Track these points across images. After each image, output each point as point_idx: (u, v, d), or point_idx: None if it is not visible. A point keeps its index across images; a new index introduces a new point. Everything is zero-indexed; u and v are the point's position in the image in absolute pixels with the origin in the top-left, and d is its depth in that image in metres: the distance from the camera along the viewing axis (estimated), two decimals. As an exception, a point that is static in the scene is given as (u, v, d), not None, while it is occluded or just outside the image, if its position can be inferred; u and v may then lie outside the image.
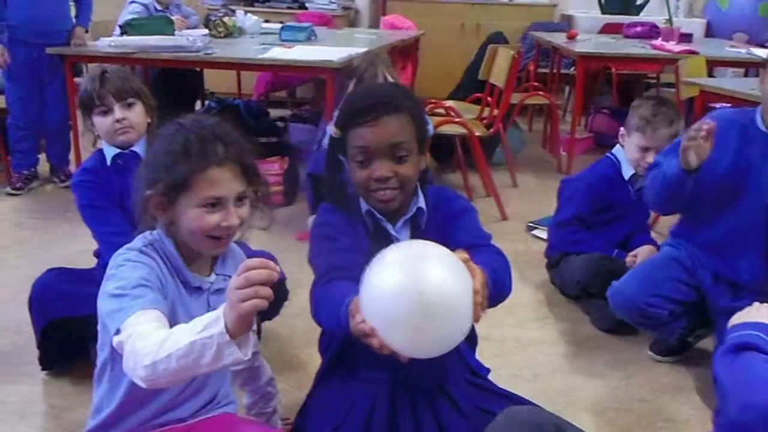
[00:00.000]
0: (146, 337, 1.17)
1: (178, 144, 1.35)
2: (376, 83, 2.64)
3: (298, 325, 2.31)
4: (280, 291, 2.18)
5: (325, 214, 1.60)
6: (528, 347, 2.38)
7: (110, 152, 2.08)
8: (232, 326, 1.09)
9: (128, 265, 1.32)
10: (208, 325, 1.11)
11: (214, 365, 1.12)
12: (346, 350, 1.59)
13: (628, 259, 2.50)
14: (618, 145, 2.67)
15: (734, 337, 1.30)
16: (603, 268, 2.46)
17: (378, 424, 1.49)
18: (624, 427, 1.97)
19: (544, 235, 3.31)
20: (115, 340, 1.23)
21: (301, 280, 2.23)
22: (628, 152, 2.59)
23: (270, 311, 2.19)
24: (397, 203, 1.54)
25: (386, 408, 1.52)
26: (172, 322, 1.24)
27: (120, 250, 1.37)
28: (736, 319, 1.36)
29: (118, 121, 2.02)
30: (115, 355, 1.34)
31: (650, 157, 2.46)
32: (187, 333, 1.12)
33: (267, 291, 1.08)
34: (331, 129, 1.62)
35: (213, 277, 1.46)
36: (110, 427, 1.43)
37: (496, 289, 1.35)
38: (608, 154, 2.71)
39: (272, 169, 3.66)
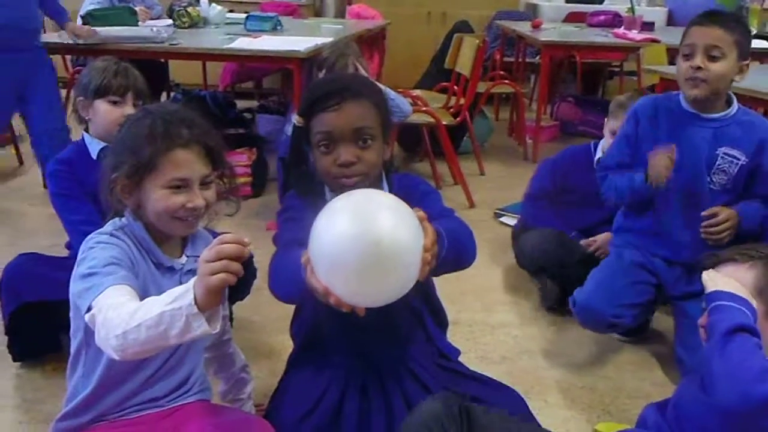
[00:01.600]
0: (117, 308, 1.19)
1: (144, 127, 1.38)
2: (336, 73, 2.65)
3: (269, 313, 2.32)
4: (249, 269, 2.18)
5: (290, 199, 1.62)
6: (496, 330, 2.43)
7: (96, 145, 2.07)
8: (201, 299, 1.11)
9: (98, 247, 1.35)
10: (177, 297, 1.14)
11: (182, 337, 1.14)
12: (317, 336, 1.62)
13: (585, 242, 2.55)
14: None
15: (723, 316, 1.31)
16: (556, 243, 2.51)
17: (349, 409, 1.52)
18: (589, 403, 2.03)
19: (511, 221, 3.37)
20: (87, 316, 1.25)
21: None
22: (607, 140, 2.65)
23: (240, 290, 2.20)
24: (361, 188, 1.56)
25: (357, 393, 1.55)
26: (144, 299, 1.26)
27: (90, 236, 1.39)
28: (711, 283, 1.37)
29: (126, 115, 2.00)
30: (89, 339, 1.35)
31: None
32: (158, 304, 1.15)
33: (236, 266, 1.11)
34: (294, 118, 1.63)
35: (184, 258, 1.48)
36: (86, 410, 1.45)
37: (455, 249, 1.35)
38: (588, 143, 2.76)
39: (240, 160, 3.65)
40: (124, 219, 1.43)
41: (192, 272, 1.42)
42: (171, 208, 1.38)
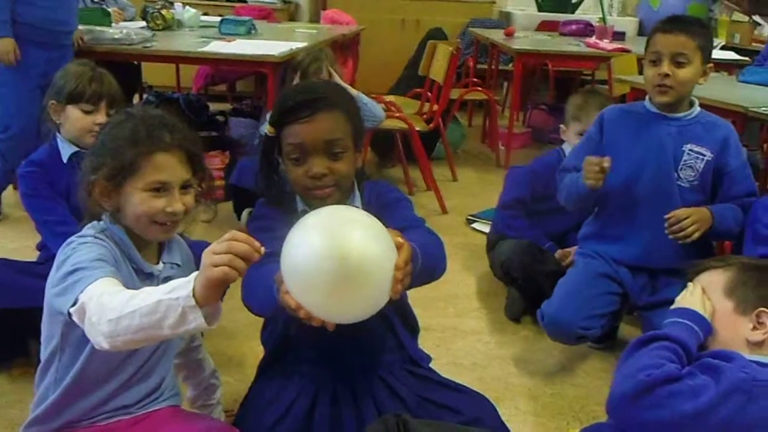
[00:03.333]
0: (112, 294, 1.17)
1: (126, 130, 1.38)
2: (309, 81, 2.65)
3: (240, 319, 2.30)
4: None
5: (261, 208, 1.61)
6: (467, 336, 2.45)
7: (67, 149, 2.04)
8: (200, 291, 1.10)
9: (82, 247, 1.33)
10: (176, 288, 1.12)
11: (177, 328, 1.12)
12: (287, 342, 1.61)
13: (558, 253, 2.57)
14: (565, 143, 2.75)
15: (655, 329, 1.45)
16: (528, 254, 2.53)
17: (320, 416, 1.51)
18: (559, 410, 2.05)
19: (483, 228, 3.39)
20: (74, 309, 1.21)
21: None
22: (571, 143, 2.67)
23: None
24: (333, 200, 1.55)
25: (328, 400, 1.54)
26: None
27: (71, 238, 1.37)
28: (675, 303, 1.50)
29: (98, 124, 1.97)
30: (65, 345, 1.35)
31: None
32: (156, 292, 1.14)
33: (241, 264, 1.10)
34: (264, 127, 1.62)
35: (161, 265, 1.47)
36: (55, 416, 1.42)
37: (428, 264, 1.36)
38: (556, 149, 2.79)
39: (213, 163, 3.63)
40: (102, 222, 1.42)
41: (169, 279, 1.41)
42: (151, 212, 1.37)
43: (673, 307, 1.50)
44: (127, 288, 1.25)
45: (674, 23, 2.09)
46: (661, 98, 2.10)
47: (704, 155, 2.13)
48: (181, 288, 1.11)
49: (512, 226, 2.72)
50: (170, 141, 1.38)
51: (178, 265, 1.50)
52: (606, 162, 2.05)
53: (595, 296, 2.16)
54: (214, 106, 4.57)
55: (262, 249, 1.13)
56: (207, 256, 1.10)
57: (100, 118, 1.99)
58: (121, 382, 1.43)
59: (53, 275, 1.32)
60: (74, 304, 1.22)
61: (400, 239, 1.25)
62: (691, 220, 2.06)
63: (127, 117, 1.43)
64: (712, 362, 1.31)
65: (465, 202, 3.76)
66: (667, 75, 2.05)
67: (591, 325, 2.11)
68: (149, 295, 1.14)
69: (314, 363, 1.55)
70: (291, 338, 1.57)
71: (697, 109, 2.18)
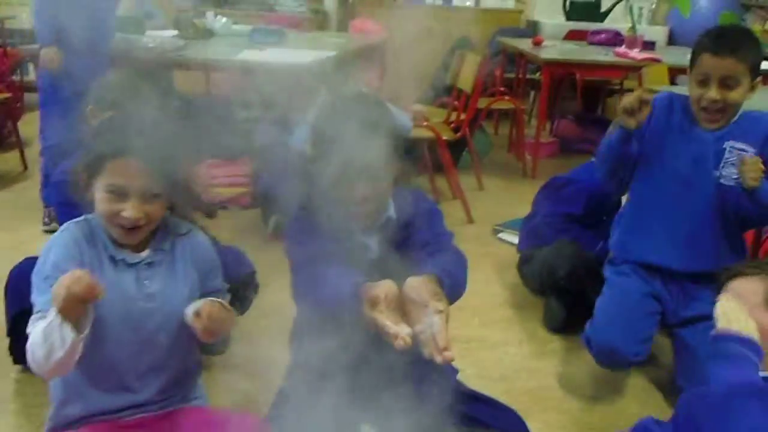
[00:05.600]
0: (33, 333, 1.34)
1: (105, 125, 1.43)
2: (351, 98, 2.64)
3: (268, 325, 2.32)
4: (250, 284, 2.20)
5: (298, 213, 1.62)
6: (494, 348, 2.43)
7: None
8: (60, 312, 1.27)
9: (53, 248, 1.41)
10: (49, 314, 1.30)
11: (65, 344, 1.28)
12: (316, 350, 1.61)
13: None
14: None
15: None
16: (574, 253, 2.49)
17: (348, 425, 1.51)
18: (587, 425, 2.03)
19: (509, 238, 3.38)
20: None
21: (270, 280, 2.26)
22: None
23: (242, 305, 2.22)
24: (373, 214, 1.58)
25: (355, 408, 1.55)
26: None
27: (63, 227, 1.45)
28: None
29: None
30: None
31: None
32: (44, 321, 1.30)
33: (73, 298, 1.24)
34: (305, 146, 1.63)
35: (146, 252, 1.48)
36: (67, 415, 1.47)
37: (450, 290, 1.40)
38: (593, 160, 2.75)
39: (240, 170, 3.66)
40: (84, 218, 1.48)
41: (152, 264, 1.47)
42: (106, 213, 1.41)
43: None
44: (94, 272, 1.38)
45: (724, 45, 2.01)
46: (709, 125, 2.08)
47: (746, 151, 2.07)
48: (51, 313, 1.29)
49: (563, 230, 2.65)
50: (139, 148, 1.36)
51: (163, 250, 1.50)
52: (647, 95, 2.01)
53: (640, 319, 2.11)
54: (242, 114, 4.60)
55: (100, 294, 1.27)
56: (56, 285, 1.26)
57: None
58: (121, 376, 1.47)
59: (34, 273, 1.42)
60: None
61: (440, 305, 1.31)
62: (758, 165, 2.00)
63: (116, 111, 1.47)
64: None
65: (491, 212, 3.75)
66: (716, 100, 2.02)
67: (640, 351, 2.07)
68: (43, 323, 1.30)
69: (343, 371, 1.54)
70: (321, 346, 1.58)
71: (741, 110, 2.12)
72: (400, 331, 1.28)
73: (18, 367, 2.10)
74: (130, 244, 1.46)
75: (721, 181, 2.10)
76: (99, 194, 1.40)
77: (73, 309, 1.27)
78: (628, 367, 2.16)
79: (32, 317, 1.36)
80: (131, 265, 1.46)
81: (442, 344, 1.26)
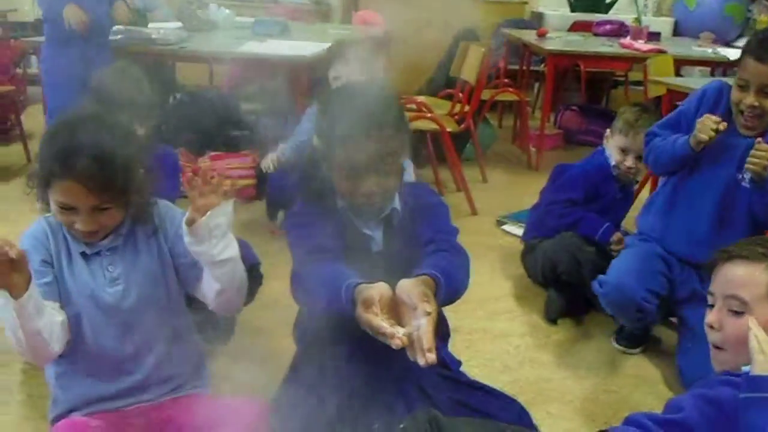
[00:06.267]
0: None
1: (56, 143, 1.40)
2: (360, 90, 2.65)
3: (271, 317, 2.32)
4: (254, 276, 2.20)
5: (299, 205, 1.63)
6: (497, 339, 2.43)
7: None
8: None
9: (24, 240, 1.46)
10: None
11: (22, 315, 1.32)
12: (320, 341, 1.62)
13: (616, 236, 2.50)
14: (606, 149, 2.72)
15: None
16: (574, 246, 2.49)
17: (352, 413, 1.52)
18: (591, 416, 2.03)
19: (513, 229, 3.37)
20: None
21: (275, 272, 2.26)
22: (610, 153, 2.66)
23: (246, 296, 2.23)
24: (377, 207, 1.59)
25: (359, 398, 1.55)
26: (61, 287, 1.45)
27: (29, 229, 1.49)
28: (761, 360, 1.27)
29: None
30: None
31: (629, 161, 2.60)
32: None
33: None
34: (314, 138, 1.63)
35: (106, 240, 1.49)
36: (69, 400, 1.49)
37: (449, 292, 1.43)
38: (600, 148, 2.76)
39: (244, 162, 3.66)
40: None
41: (114, 249, 1.49)
42: (64, 223, 1.45)
43: (756, 371, 1.25)
44: (62, 269, 1.46)
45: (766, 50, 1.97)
46: (746, 132, 2.08)
47: None
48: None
49: (572, 220, 2.62)
50: (86, 171, 1.36)
51: (122, 234, 1.51)
52: (722, 125, 2.02)
53: (653, 272, 2.17)
54: (246, 106, 4.60)
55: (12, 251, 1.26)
56: None
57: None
58: (111, 363, 1.49)
59: None
60: None
61: (428, 307, 1.31)
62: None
63: (65, 125, 1.43)
64: None
65: (495, 204, 3.74)
66: (754, 106, 2.02)
67: (648, 299, 2.11)
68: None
69: (347, 362, 1.55)
70: (325, 337, 1.58)
71: None
72: (396, 331, 1.29)
73: (24, 358, 2.11)
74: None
75: (743, 184, 2.11)
76: (53, 205, 1.43)
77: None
78: (637, 314, 2.16)
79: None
80: (95, 254, 1.49)
81: (426, 346, 1.26)
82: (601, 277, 2.19)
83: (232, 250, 1.46)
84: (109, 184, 1.39)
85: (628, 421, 1.36)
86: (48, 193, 1.43)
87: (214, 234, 1.42)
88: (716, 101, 2.17)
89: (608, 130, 2.71)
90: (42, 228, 1.48)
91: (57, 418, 1.49)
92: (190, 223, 1.41)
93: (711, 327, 1.36)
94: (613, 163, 2.65)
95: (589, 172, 2.73)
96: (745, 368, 1.28)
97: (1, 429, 1.85)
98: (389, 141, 1.50)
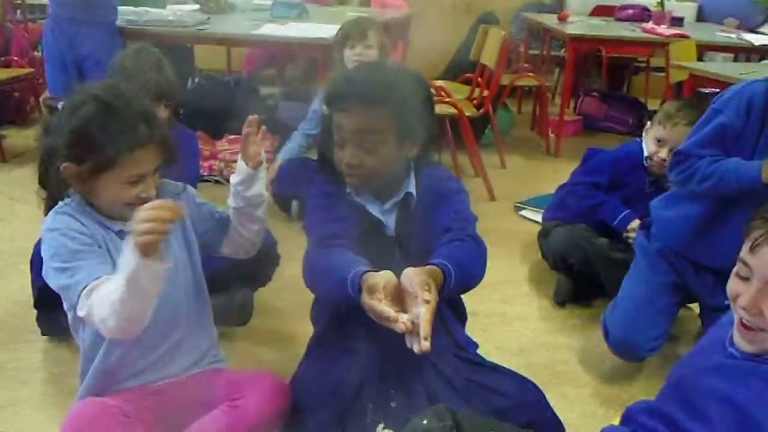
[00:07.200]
0: (100, 303, 1.32)
1: (105, 123, 1.38)
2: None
3: (289, 298, 2.34)
4: (272, 256, 2.22)
5: (321, 184, 1.64)
6: (514, 322, 2.44)
7: None
8: (141, 252, 1.25)
9: (59, 234, 1.41)
10: (127, 263, 1.27)
11: (156, 281, 1.30)
12: (338, 322, 1.63)
13: (633, 223, 2.47)
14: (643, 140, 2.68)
15: None
16: (584, 239, 2.49)
17: (368, 393, 1.53)
18: (607, 399, 2.03)
19: (531, 215, 3.36)
20: (80, 314, 1.37)
21: (292, 254, 2.27)
22: (648, 144, 2.61)
23: (263, 276, 2.25)
24: (367, 188, 1.59)
25: (376, 378, 1.56)
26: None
27: (49, 215, 1.46)
28: None
29: None
30: (79, 319, 1.45)
31: (664, 152, 2.47)
32: (120, 277, 1.28)
33: (165, 227, 1.25)
34: (322, 105, 1.65)
35: None
36: (99, 384, 1.50)
37: (460, 282, 1.44)
38: (637, 140, 2.73)
39: (263, 147, 3.66)
40: (71, 200, 1.47)
41: None
42: (127, 199, 1.43)
43: None
44: (110, 249, 1.44)
45: None
46: None
47: None
48: (129, 261, 1.26)
49: (587, 197, 2.61)
50: (148, 135, 1.41)
51: None
52: None
53: (661, 313, 2.09)
54: (264, 90, 4.61)
55: (184, 213, 1.30)
56: (133, 225, 1.24)
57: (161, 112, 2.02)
58: (143, 346, 1.49)
59: (44, 257, 1.42)
60: (74, 306, 1.37)
61: (427, 296, 1.32)
62: None
63: (100, 105, 1.40)
64: None
65: (513, 189, 3.72)
66: None
67: (657, 345, 2.07)
68: (116, 282, 1.29)
69: (365, 342, 1.56)
70: (342, 317, 1.59)
71: None
72: (400, 317, 1.31)
73: (45, 337, 2.14)
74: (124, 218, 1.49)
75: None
76: (113, 186, 1.41)
77: (155, 243, 1.25)
78: (642, 361, 2.16)
79: (79, 294, 1.35)
80: (128, 233, 1.46)
81: (423, 334, 1.28)
82: (606, 317, 2.12)
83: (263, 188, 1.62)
84: (164, 140, 1.45)
85: (626, 418, 1.35)
86: (95, 182, 1.41)
87: (259, 176, 1.59)
88: (764, 115, 1.88)
89: (649, 122, 2.68)
90: (68, 215, 1.44)
91: (85, 387, 1.51)
92: (244, 170, 1.56)
93: (744, 308, 1.19)
94: (646, 154, 2.60)
95: (619, 158, 2.69)
96: None
97: (24, 406, 1.88)
98: (372, 116, 1.49)
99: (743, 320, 1.20)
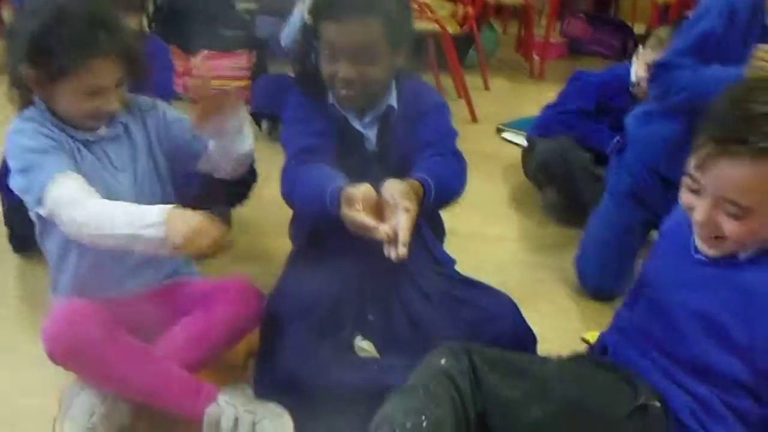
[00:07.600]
0: (78, 205, 1.30)
1: (64, 28, 1.34)
2: None
3: (268, 216, 2.33)
4: (249, 173, 2.20)
5: (298, 96, 1.60)
6: (493, 242, 2.46)
7: None
8: (174, 243, 1.25)
9: (22, 136, 1.38)
10: (152, 225, 1.25)
11: (146, 249, 1.30)
12: (316, 237, 1.63)
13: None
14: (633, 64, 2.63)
15: None
16: (568, 150, 2.48)
17: (347, 305, 1.54)
18: (580, 316, 2.08)
19: (513, 137, 3.35)
20: (42, 211, 1.35)
21: (271, 173, 2.25)
22: (637, 69, 2.57)
23: (241, 194, 2.23)
24: (360, 102, 1.56)
25: (354, 294, 1.57)
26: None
27: (15, 120, 1.42)
28: None
29: None
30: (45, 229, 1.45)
31: None
32: (127, 223, 1.27)
33: (209, 250, 1.27)
34: (305, 15, 1.60)
35: (103, 129, 1.47)
36: (68, 287, 1.51)
37: (440, 197, 1.47)
38: (624, 63, 2.69)
39: (239, 62, 3.58)
40: (35, 108, 1.44)
41: (116, 138, 1.48)
42: (86, 111, 1.40)
43: None
44: (74, 155, 1.40)
45: None
46: None
47: None
48: (156, 230, 1.25)
49: (574, 126, 2.59)
50: (108, 45, 1.36)
51: (121, 123, 1.50)
52: None
53: (631, 255, 2.13)
54: (240, 4, 4.46)
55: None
56: (177, 228, 1.24)
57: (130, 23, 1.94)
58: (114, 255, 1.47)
59: (10, 164, 1.39)
60: (39, 202, 1.34)
61: (408, 204, 1.33)
62: None
63: (61, 10, 1.36)
64: None
65: (496, 112, 3.69)
66: None
67: (621, 285, 2.08)
68: (120, 221, 1.27)
69: (343, 256, 1.56)
70: (320, 233, 1.59)
71: None
72: (380, 226, 1.32)
73: (18, 255, 2.12)
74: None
75: None
76: (69, 95, 1.38)
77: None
78: (613, 299, 2.15)
79: (42, 191, 1.33)
80: (96, 143, 1.46)
81: (401, 240, 1.30)
82: (579, 265, 2.18)
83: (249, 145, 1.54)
84: (127, 52, 1.39)
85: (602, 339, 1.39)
86: (53, 88, 1.38)
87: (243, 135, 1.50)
88: (749, 19, 1.83)
89: (640, 47, 2.63)
90: (36, 120, 1.41)
91: (58, 299, 1.51)
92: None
93: (699, 223, 1.20)
94: (633, 79, 2.57)
95: (605, 81, 2.66)
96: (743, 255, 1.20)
97: (1, 324, 1.87)
98: (370, 27, 1.46)
99: (705, 234, 1.21)
